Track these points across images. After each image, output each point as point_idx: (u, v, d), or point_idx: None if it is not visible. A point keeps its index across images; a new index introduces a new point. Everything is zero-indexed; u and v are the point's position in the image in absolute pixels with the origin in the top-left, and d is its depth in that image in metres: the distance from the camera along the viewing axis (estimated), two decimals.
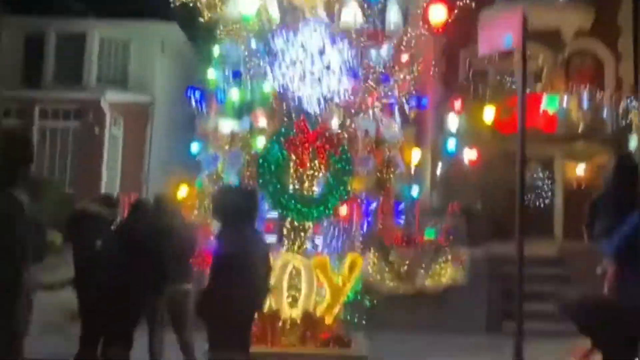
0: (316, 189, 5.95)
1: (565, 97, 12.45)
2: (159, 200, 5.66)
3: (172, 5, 6.25)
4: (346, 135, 6.38)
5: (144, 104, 14.92)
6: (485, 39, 8.07)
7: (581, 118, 12.34)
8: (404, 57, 14.48)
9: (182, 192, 9.75)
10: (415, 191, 11.82)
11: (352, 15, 8.68)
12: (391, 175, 11.02)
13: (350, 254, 5.74)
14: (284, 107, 5.86)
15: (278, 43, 5.78)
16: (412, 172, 12.13)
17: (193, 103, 12.21)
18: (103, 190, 13.21)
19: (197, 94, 11.64)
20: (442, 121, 12.28)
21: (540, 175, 13.63)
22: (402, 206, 11.07)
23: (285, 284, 5.44)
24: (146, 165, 14.76)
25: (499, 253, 9.02)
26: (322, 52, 5.90)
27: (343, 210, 9.85)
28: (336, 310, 5.42)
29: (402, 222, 10.54)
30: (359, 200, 10.23)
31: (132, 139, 14.38)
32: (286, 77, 5.69)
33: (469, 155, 11.51)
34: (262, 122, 11.46)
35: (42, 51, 14.57)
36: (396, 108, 13.03)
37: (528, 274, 8.53)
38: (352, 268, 5.52)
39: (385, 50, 14.67)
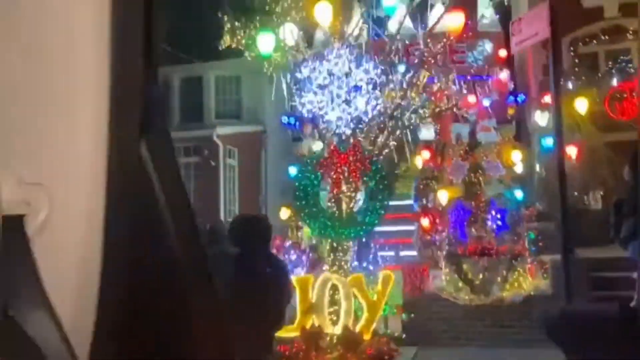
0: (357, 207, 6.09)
1: None
2: (214, 230, 6.23)
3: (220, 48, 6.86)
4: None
5: (256, 133, 16.04)
6: (517, 35, 7.59)
7: None
8: (502, 53, 13.90)
9: (284, 214, 10.41)
10: (519, 194, 11.21)
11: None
12: (480, 179, 10.64)
13: (384, 270, 5.78)
14: (315, 131, 6.12)
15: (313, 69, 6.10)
16: (514, 174, 11.55)
17: (289, 128, 13.00)
18: (222, 217, 14.45)
19: (292, 119, 12.38)
20: (543, 116, 11.51)
21: None
22: (505, 212, 10.59)
23: (326, 302, 5.66)
24: (263, 190, 15.81)
25: (598, 257, 8.19)
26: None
27: (425, 222, 9.77)
28: (374, 325, 5.51)
29: (501, 229, 10.08)
30: (440, 209, 10.04)
31: (247, 166, 15.52)
32: (315, 102, 5.96)
33: (571, 150, 10.65)
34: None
35: (168, 97, 16.44)
36: (489, 108, 12.53)
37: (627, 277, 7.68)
38: (385, 284, 5.57)
39: (482, 47, 14.13)
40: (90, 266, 0.61)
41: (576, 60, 12.67)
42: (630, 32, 12.40)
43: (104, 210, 0.61)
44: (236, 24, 6.04)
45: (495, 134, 12.11)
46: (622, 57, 12.29)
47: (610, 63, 12.27)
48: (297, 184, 6.01)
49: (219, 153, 14.64)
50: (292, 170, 11.77)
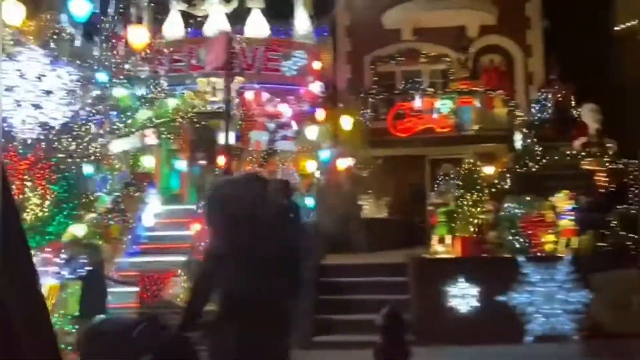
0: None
1: (458, 98, 11.95)
2: None
3: None
4: None
5: None
6: (211, 56, 7.79)
7: (477, 118, 11.80)
8: (316, 65, 14.22)
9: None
10: (310, 202, 11.51)
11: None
12: None
13: (50, 284, 5.61)
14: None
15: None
16: (310, 183, 11.85)
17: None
18: None
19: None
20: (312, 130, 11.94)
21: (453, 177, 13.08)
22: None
23: None
24: None
25: (339, 263, 8.52)
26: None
27: (195, 228, 9.72)
28: None
29: None
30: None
31: None
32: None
33: (343, 163, 11.18)
34: (152, 140, 11.44)
35: None
36: (292, 117, 12.81)
37: (369, 282, 8.05)
38: (51, 296, 5.41)
39: (297, 58, 14.35)
40: None
41: (375, 78, 13.34)
42: (422, 55, 13.27)
43: None
44: None
45: (293, 143, 12.41)
46: (415, 79, 13.09)
47: (403, 83, 13.04)
48: None
49: None
50: (88, 169, 11.23)
